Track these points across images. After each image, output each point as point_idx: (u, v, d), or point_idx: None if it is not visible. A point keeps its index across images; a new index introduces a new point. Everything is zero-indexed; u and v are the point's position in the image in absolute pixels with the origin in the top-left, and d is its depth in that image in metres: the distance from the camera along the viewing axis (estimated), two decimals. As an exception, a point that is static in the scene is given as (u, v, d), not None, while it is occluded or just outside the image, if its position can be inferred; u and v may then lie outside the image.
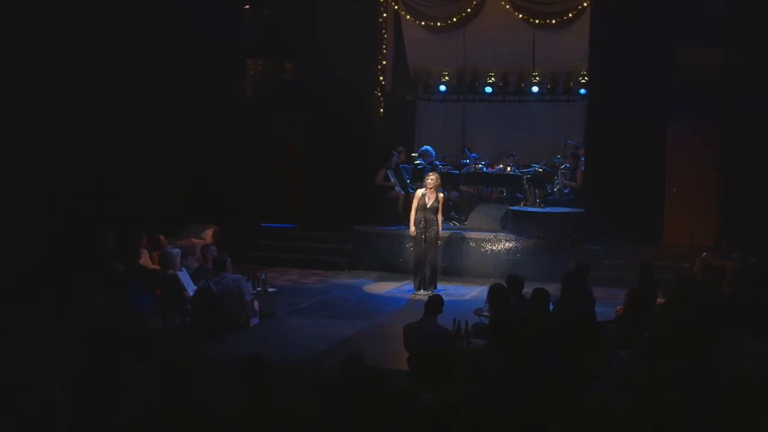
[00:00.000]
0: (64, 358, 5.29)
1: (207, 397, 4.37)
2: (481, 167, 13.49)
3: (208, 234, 11.90)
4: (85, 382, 4.63)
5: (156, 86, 12.06)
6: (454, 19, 13.63)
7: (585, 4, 12.69)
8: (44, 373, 4.73)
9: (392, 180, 13.01)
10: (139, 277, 8.21)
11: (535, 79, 14.22)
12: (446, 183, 12.78)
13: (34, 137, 10.37)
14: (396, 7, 13.77)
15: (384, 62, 13.75)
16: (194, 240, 11.37)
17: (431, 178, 10.68)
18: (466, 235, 12.26)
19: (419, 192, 10.78)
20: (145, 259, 9.74)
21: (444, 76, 14.80)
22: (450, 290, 10.73)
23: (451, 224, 12.75)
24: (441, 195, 10.76)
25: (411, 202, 10.97)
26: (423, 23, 13.80)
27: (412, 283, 10.88)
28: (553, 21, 13.17)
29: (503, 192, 13.50)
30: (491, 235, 12.19)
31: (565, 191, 13.07)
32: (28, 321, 5.81)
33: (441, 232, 10.85)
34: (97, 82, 11.08)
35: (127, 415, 4.39)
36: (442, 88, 14.91)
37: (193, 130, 12.70)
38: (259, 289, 9.64)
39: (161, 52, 12.05)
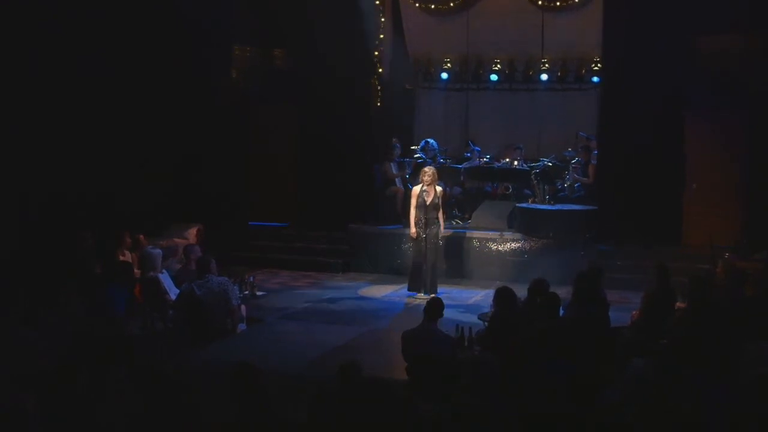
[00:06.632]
0: (39, 366, 5.30)
1: (193, 410, 4.39)
2: (486, 161, 13.49)
3: (192, 233, 11.91)
4: (62, 392, 4.65)
5: (137, 75, 12.07)
6: (457, 2, 13.65)
7: (597, -15, 12.73)
8: (17, 383, 4.75)
9: (396, 171, 12.98)
10: (119, 279, 8.21)
11: (544, 66, 14.22)
12: (448, 178, 12.81)
13: (8, 133, 10.40)
14: (395, -12, 13.82)
15: (381, 48, 13.77)
16: (176, 240, 11.38)
17: (428, 173, 10.68)
18: (470, 235, 12.29)
19: (416, 189, 10.77)
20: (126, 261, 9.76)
21: (446, 63, 14.80)
22: (452, 294, 10.76)
23: (453, 223, 12.77)
24: (440, 189, 10.79)
25: (410, 199, 10.96)
26: (423, 6, 13.81)
27: (407, 286, 10.90)
28: (564, 3, 13.19)
29: (509, 188, 13.51)
30: (497, 235, 12.22)
31: (576, 187, 13.10)
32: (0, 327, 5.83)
33: (443, 231, 10.84)
34: (73, 73, 11.10)
35: (107, 427, 4.41)
36: (444, 75, 14.90)
37: (176, 122, 12.71)
38: (247, 292, 9.66)
39: (143, 41, 12.06)
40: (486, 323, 7.82)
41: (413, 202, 10.69)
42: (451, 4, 13.69)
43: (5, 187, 10.49)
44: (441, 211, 10.76)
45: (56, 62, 10.97)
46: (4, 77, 10.46)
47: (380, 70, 13.83)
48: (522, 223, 12.35)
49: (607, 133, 12.47)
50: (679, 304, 7.78)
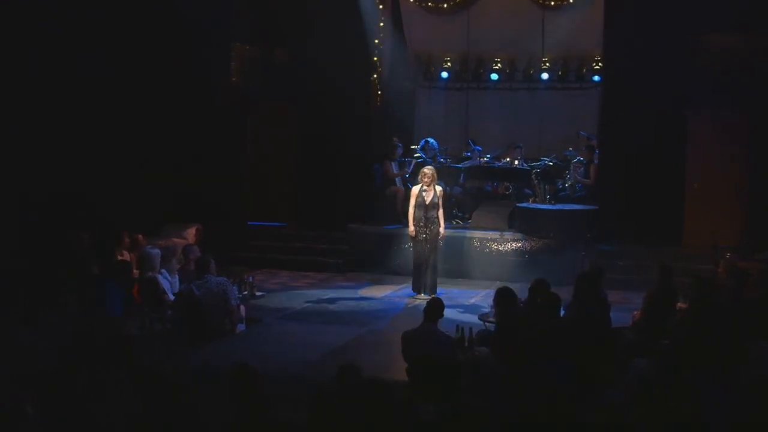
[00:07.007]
0: (39, 366, 5.30)
1: (192, 410, 4.39)
2: (487, 161, 13.48)
3: (191, 233, 11.91)
4: (60, 393, 4.64)
5: (137, 75, 12.07)
6: (458, 0, 13.63)
7: (598, -16, 12.70)
8: (17, 383, 4.75)
9: (396, 171, 12.98)
10: (117, 278, 8.21)
11: (544, 65, 14.22)
12: (448, 178, 12.80)
13: (8, 133, 10.40)
14: (395, -14, 13.80)
15: (381, 47, 13.76)
16: (175, 240, 11.37)
17: (427, 174, 10.64)
18: (470, 235, 12.27)
19: (415, 189, 10.76)
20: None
21: (446, 61, 14.80)
22: (452, 294, 10.73)
23: (454, 223, 12.75)
24: (440, 189, 10.77)
25: (410, 199, 10.94)
26: (424, 5, 13.80)
27: (411, 286, 10.89)
28: (564, 2, 13.18)
29: (509, 188, 13.50)
30: (497, 235, 12.20)
31: (578, 187, 13.09)
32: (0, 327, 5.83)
33: (443, 231, 10.81)
34: (73, 73, 11.11)
35: (106, 428, 4.41)
36: (444, 74, 14.90)
37: (176, 122, 12.69)
38: (246, 293, 9.64)
39: (143, 41, 12.06)
40: (486, 324, 7.82)
41: (412, 201, 10.67)
42: (452, 3, 13.67)
43: (5, 187, 10.49)
44: (441, 211, 10.74)
45: (56, 62, 10.97)
46: (4, 77, 10.46)
47: (380, 69, 13.81)
48: (522, 223, 12.34)
49: (608, 132, 12.46)
50: (680, 305, 7.77)
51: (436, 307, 6.98)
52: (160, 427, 4.24)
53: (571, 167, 13.23)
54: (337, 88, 13.04)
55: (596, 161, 12.80)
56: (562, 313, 7.16)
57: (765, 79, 11.39)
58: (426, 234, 10.61)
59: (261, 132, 14.24)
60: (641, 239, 11.68)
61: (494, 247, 12.09)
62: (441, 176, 11.33)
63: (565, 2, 13.18)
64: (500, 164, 13.43)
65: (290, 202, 13.96)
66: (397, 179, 12.95)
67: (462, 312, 9.71)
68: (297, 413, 4.76)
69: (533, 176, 12.91)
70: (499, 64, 14.61)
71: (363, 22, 13.36)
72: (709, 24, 11.44)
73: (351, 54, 13.15)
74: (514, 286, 7.65)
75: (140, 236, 10.15)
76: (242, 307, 8.77)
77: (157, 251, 9.03)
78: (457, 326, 7.26)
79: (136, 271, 9.09)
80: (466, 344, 7.06)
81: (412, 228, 10.65)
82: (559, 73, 14.48)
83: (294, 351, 8.26)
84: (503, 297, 7.14)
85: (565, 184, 13.28)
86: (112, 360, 5.82)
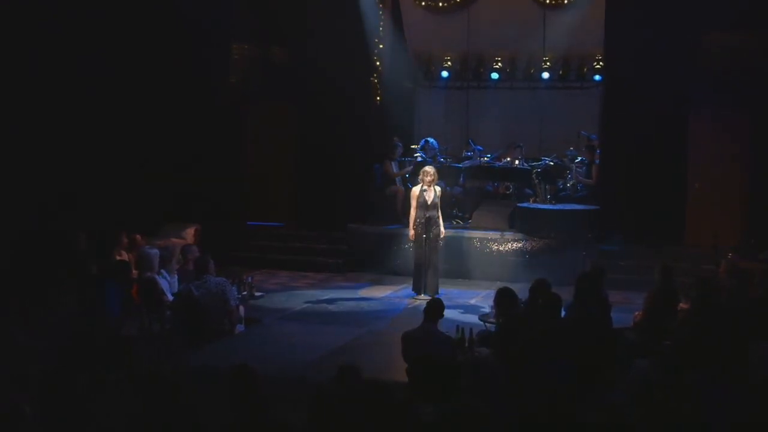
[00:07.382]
0: (35, 368, 5.30)
1: (191, 411, 4.39)
2: (487, 160, 13.48)
3: (189, 233, 11.91)
4: (60, 393, 4.64)
5: (137, 75, 12.08)
6: (458, -1, 13.67)
7: (599, -17, 12.70)
8: (16, 383, 4.75)
9: (396, 170, 12.99)
10: (117, 278, 8.20)
11: (545, 64, 14.22)
12: (448, 178, 12.80)
13: (8, 133, 10.41)
14: (395, -15, 13.81)
15: (381, 46, 13.76)
16: (174, 240, 11.37)
17: (429, 174, 10.64)
18: (470, 235, 12.27)
19: (416, 189, 10.75)
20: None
21: (446, 61, 14.80)
22: (452, 294, 10.73)
23: (454, 223, 12.75)
24: (439, 189, 10.77)
25: (410, 200, 10.93)
26: (424, 4, 13.81)
27: (411, 287, 10.89)
28: (565, 1, 13.18)
29: (510, 187, 13.49)
30: (497, 235, 12.20)
31: (579, 186, 13.09)
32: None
33: (443, 231, 10.80)
34: (73, 73, 11.11)
35: (105, 428, 4.41)
36: (444, 74, 14.90)
37: (176, 122, 12.70)
38: (245, 293, 9.64)
39: (143, 41, 12.08)
40: (487, 324, 7.82)
41: (413, 203, 10.65)
42: (452, 2, 13.66)
43: (5, 187, 10.50)
44: (439, 210, 10.74)
45: (56, 62, 10.98)
46: (4, 77, 10.47)
47: (380, 69, 13.82)
48: (523, 222, 12.33)
49: (609, 131, 12.46)
50: (681, 305, 7.77)
51: (436, 307, 6.98)
52: (159, 427, 4.24)
53: (573, 167, 13.22)
54: (337, 88, 13.03)
55: (597, 161, 12.79)
56: (563, 313, 7.15)
57: (765, 78, 11.39)
58: (426, 235, 10.60)
59: (261, 132, 14.25)
60: (642, 239, 11.68)
61: (495, 247, 12.09)
62: (441, 176, 11.32)
63: (566, 1, 13.18)
64: (501, 164, 13.42)
65: (290, 202, 13.96)
66: (397, 179, 12.96)
67: (462, 312, 9.71)
68: (297, 414, 4.75)
69: (534, 176, 12.90)
70: (499, 64, 14.61)
71: (363, 22, 13.35)
72: (709, 23, 11.44)
73: (351, 54, 13.15)
74: (515, 287, 7.63)
75: (138, 236, 10.15)
76: (241, 308, 8.76)
77: (155, 251, 9.01)
78: (458, 327, 7.25)
79: (134, 272, 9.09)
80: (467, 345, 7.06)
81: (412, 232, 10.65)
82: (560, 72, 14.48)
83: (293, 351, 8.26)
84: (504, 297, 7.14)
85: (566, 183, 13.28)
86: (111, 360, 5.83)
